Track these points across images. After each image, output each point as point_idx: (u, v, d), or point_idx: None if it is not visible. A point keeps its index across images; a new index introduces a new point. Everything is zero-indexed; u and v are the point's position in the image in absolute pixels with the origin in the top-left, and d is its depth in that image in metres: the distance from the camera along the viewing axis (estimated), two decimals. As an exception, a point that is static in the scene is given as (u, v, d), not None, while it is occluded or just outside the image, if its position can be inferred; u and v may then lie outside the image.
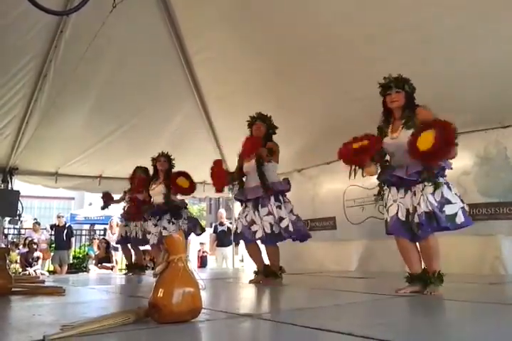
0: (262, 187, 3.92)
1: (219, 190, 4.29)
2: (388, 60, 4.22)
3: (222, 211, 9.81)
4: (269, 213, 3.88)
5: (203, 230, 5.64)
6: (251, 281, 4.08)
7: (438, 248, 2.87)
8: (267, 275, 4.00)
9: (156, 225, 5.36)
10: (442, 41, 3.99)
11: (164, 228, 5.26)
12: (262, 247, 4.15)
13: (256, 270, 4.20)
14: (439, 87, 3.37)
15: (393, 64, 3.72)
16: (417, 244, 2.98)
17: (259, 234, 3.90)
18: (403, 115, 2.99)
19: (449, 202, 2.80)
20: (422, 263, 2.99)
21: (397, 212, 2.92)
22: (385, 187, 3.06)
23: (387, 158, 3.11)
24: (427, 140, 2.69)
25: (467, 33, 3.89)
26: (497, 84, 4.21)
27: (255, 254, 4.18)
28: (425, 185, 2.81)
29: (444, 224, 2.75)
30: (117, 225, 10.67)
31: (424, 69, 4.07)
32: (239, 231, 4.06)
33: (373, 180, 6.02)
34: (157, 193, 5.43)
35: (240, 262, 9.01)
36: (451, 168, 2.93)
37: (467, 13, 3.74)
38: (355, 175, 3.06)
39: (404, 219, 2.89)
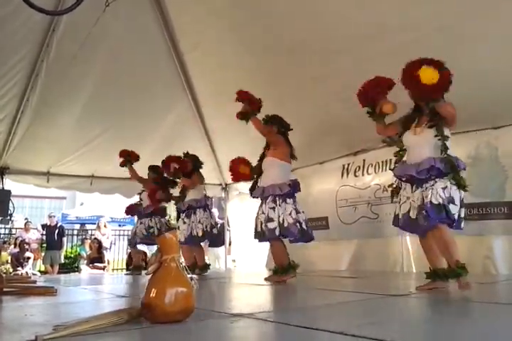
0: None
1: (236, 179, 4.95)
2: (383, 60, 4.22)
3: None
4: (263, 213, 4.05)
5: None
6: (266, 279, 4.12)
7: (452, 236, 2.89)
8: (275, 273, 4.07)
9: (185, 222, 5.39)
10: (437, 41, 4.00)
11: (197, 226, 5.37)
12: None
13: (275, 268, 4.14)
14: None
15: (388, 64, 3.70)
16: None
17: (278, 231, 3.94)
18: (428, 112, 3.02)
19: (453, 201, 2.85)
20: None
21: (408, 210, 3.00)
22: (401, 184, 3.15)
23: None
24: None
25: (461, 33, 3.90)
26: (489, 85, 4.23)
27: (278, 252, 4.14)
28: (436, 181, 2.88)
29: (453, 217, 2.82)
30: (105, 226, 10.65)
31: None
32: (258, 229, 4.10)
33: (366, 180, 6.07)
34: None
35: (232, 262, 8.99)
36: (465, 169, 2.98)
37: (463, 12, 3.75)
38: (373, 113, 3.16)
39: (414, 217, 2.95)
